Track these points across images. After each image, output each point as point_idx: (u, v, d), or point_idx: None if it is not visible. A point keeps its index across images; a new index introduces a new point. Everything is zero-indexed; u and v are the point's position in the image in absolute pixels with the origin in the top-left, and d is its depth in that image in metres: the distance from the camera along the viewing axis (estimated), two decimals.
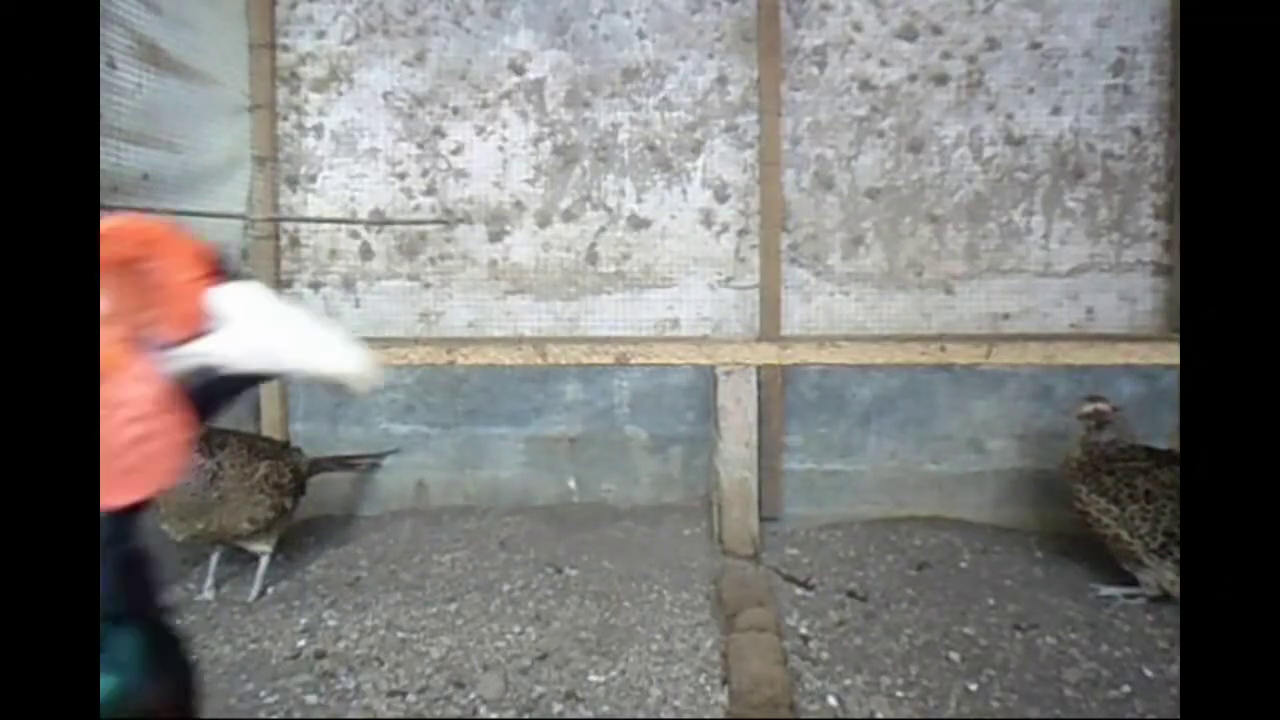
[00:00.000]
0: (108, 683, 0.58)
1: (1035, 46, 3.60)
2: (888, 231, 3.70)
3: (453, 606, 2.85)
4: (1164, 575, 2.78)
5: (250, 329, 0.57)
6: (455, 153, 3.78)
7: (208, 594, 2.93)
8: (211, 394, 0.61)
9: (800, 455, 3.71)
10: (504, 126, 3.77)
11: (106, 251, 0.56)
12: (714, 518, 3.40)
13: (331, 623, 2.75)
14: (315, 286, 3.82)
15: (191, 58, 3.42)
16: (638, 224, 3.76)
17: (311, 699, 2.35)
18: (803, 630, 2.70)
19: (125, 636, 0.60)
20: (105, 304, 0.57)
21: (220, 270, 0.61)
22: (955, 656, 2.55)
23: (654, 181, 3.75)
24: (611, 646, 2.60)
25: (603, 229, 3.77)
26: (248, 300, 0.59)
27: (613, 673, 2.47)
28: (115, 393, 0.56)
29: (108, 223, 0.58)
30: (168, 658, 0.64)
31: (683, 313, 3.75)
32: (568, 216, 3.77)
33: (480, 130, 3.77)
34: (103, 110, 2.93)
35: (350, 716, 2.28)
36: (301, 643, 2.63)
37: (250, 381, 0.61)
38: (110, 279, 0.56)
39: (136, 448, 0.56)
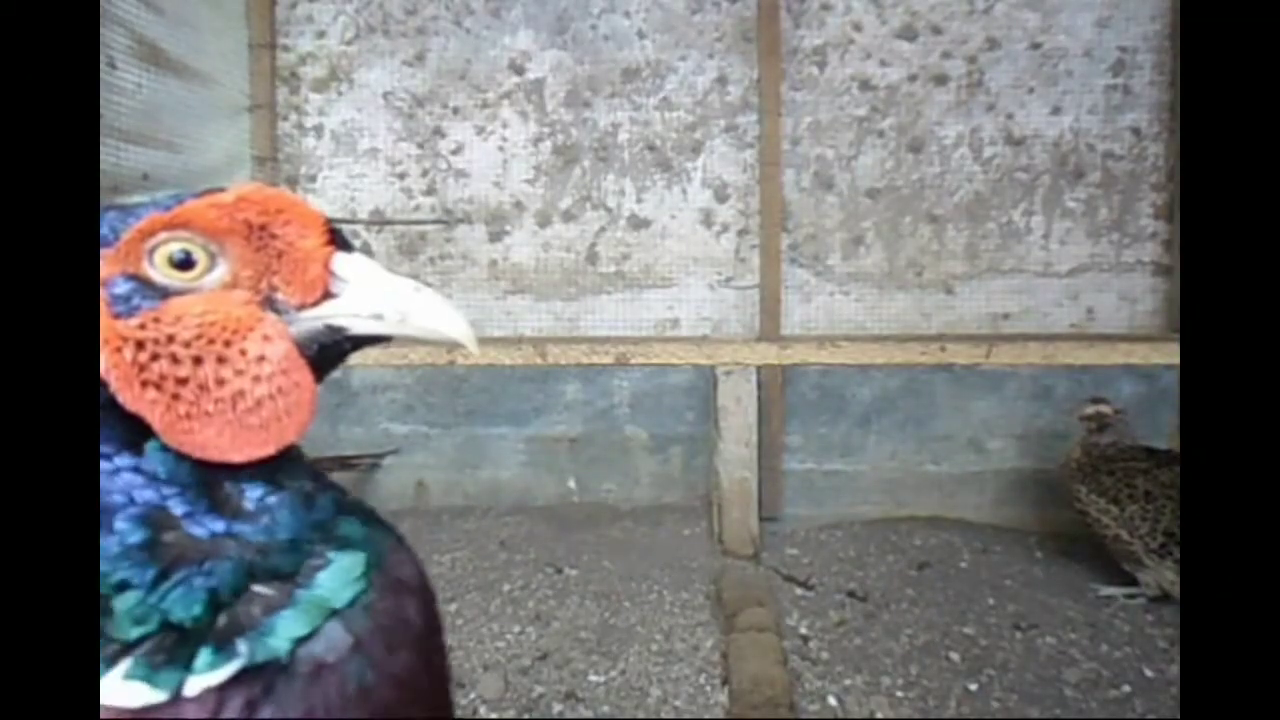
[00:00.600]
0: (355, 560, 0.62)
1: (1035, 46, 3.60)
2: (888, 231, 3.70)
3: (453, 606, 2.85)
4: (1164, 575, 2.78)
5: (371, 294, 0.62)
6: (455, 153, 3.78)
7: None
8: (328, 355, 0.65)
9: (800, 455, 3.71)
10: (504, 126, 3.77)
11: (237, 216, 0.59)
12: (714, 518, 3.40)
13: None
14: None
15: (191, 58, 3.42)
16: (638, 224, 3.76)
17: None
18: (803, 630, 2.70)
19: (347, 523, 0.66)
20: (233, 267, 0.60)
21: (340, 239, 0.64)
22: (955, 656, 2.55)
23: (654, 181, 3.75)
24: (611, 646, 2.60)
25: (603, 229, 3.77)
26: (365, 268, 0.63)
27: (613, 673, 2.47)
28: (247, 351, 0.59)
29: (237, 189, 0.61)
30: (394, 534, 0.68)
31: (683, 313, 3.75)
32: (568, 216, 3.77)
33: (480, 130, 3.77)
34: (103, 110, 2.93)
35: None
36: None
37: (365, 343, 0.65)
38: (238, 243, 0.59)
39: (268, 404, 0.60)
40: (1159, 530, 2.76)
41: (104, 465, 0.59)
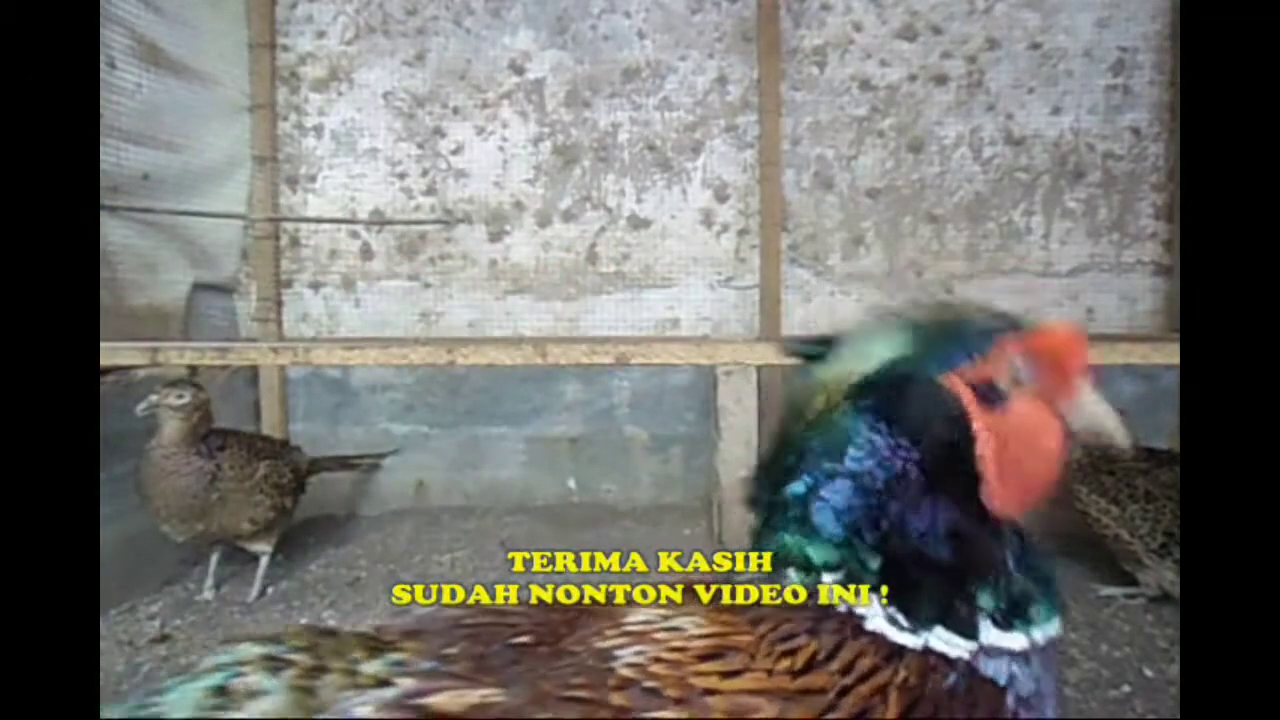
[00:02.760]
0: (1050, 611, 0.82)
1: (1035, 46, 3.60)
2: (888, 231, 3.70)
3: None
4: (1164, 575, 2.78)
5: (1094, 405, 0.83)
6: (455, 153, 3.78)
7: (208, 594, 2.93)
8: None
9: None
10: (504, 126, 3.77)
11: (1048, 345, 0.80)
12: (714, 518, 3.40)
13: (331, 623, 2.75)
14: (315, 286, 3.82)
15: (191, 58, 3.42)
16: (638, 224, 3.76)
17: None
18: None
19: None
20: (1038, 379, 0.81)
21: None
22: None
23: (654, 181, 3.75)
24: None
25: (603, 229, 3.77)
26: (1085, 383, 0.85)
27: None
28: (1047, 444, 0.81)
29: (1048, 327, 0.82)
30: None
31: (683, 313, 3.75)
32: (568, 216, 3.77)
33: (480, 130, 3.77)
34: (103, 110, 2.93)
35: None
36: None
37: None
38: (1044, 364, 0.81)
39: (1045, 481, 0.83)
40: (1159, 530, 2.76)
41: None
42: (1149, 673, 2.45)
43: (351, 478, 3.75)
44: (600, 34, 3.73)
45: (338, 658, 0.77)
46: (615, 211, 3.76)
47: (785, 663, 0.74)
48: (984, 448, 0.79)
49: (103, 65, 2.95)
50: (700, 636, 0.77)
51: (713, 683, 0.72)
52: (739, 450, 3.29)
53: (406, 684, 0.72)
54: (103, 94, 2.95)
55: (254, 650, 0.78)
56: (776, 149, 3.62)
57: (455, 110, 3.77)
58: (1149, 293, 3.63)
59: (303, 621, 2.76)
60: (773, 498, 0.83)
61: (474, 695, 0.69)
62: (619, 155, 3.75)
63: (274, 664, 0.76)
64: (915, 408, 0.79)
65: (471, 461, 3.81)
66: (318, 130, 3.80)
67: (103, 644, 2.56)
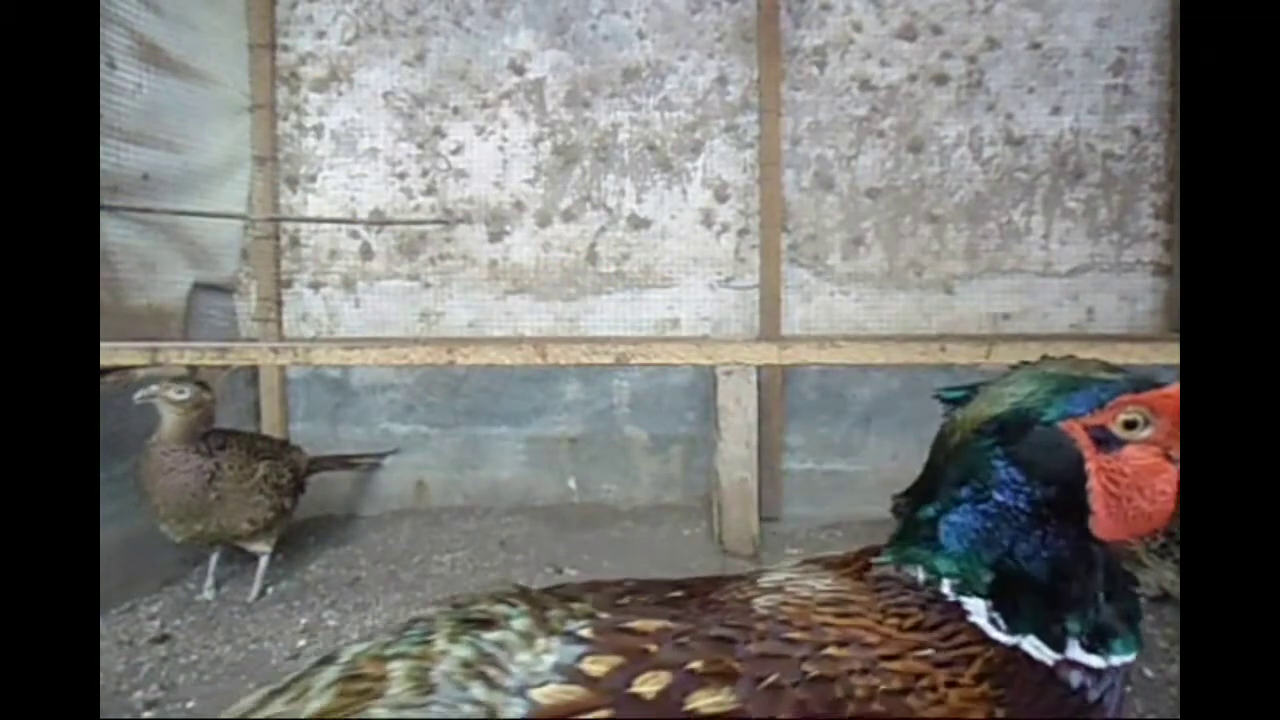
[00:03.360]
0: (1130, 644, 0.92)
1: (1035, 46, 3.60)
2: (888, 231, 3.70)
3: None
4: (1164, 575, 2.77)
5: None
6: (455, 153, 3.78)
7: (208, 594, 2.93)
8: None
9: (800, 455, 3.71)
10: (504, 126, 3.77)
11: (1170, 403, 0.90)
12: (714, 518, 3.39)
13: (331, 623, 2.75)
14: (315, 286, 3.82)
15: (191, 58, 3.42)
16: (638, 224, 3.76)
17: None
18: None
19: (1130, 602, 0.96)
20: (1156, 432, 0.91)
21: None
22: None
23: (654, 181, 3.75)
24: None
25: (603, 229, 3.77)
26: None
27: None
28: (1155, 487, 0.91)
29: (1171, 388, 0.91)
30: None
31: (683, 313, 3.75)
32: (568, 216, 3.77)
33: (480, 130, 3.77)
34: (103, 110, 2.93)
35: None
36: (301, 643, 2.63)
37: None
38: (1164, 419, 0.91)
39: (1151, 518, 0.92)
40: (1159, 530, 2.76)
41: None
42: (1149, 673, 2.45)
43: (351, 478, 3.75)
44: (600, 34, 3.73)
45: (550, 598, 0.99)
46: (615, 211, 3.76)
47: (894, 620, 0.90)
48: (1095, 483, 0.91)
49: (103, 65, 2.95)
50: (824, 591, 0.96)
51: (830, 619, 0.90)
52: (739, 450, 3.29)
53: (606, 616, 0.93)
54: (103, 94, 2.95)
55: (481, 594, 1.01)
56: (776, 149, 3.62)
57: (455, 110, 3.77)
58: (1149, 293, 3.63)
59: (303, 621, 2.76)
60: (910, 515, 1.00)
61: (658, 621, 0.91)
62: (619, 155, 3.75)
63: (505, 602, 0.97)
64: (1034, 447, 0.93)
65: (471, 461, 3.81)
66: (318, 130, 3.80)
67: (103, 644, 2.56)
